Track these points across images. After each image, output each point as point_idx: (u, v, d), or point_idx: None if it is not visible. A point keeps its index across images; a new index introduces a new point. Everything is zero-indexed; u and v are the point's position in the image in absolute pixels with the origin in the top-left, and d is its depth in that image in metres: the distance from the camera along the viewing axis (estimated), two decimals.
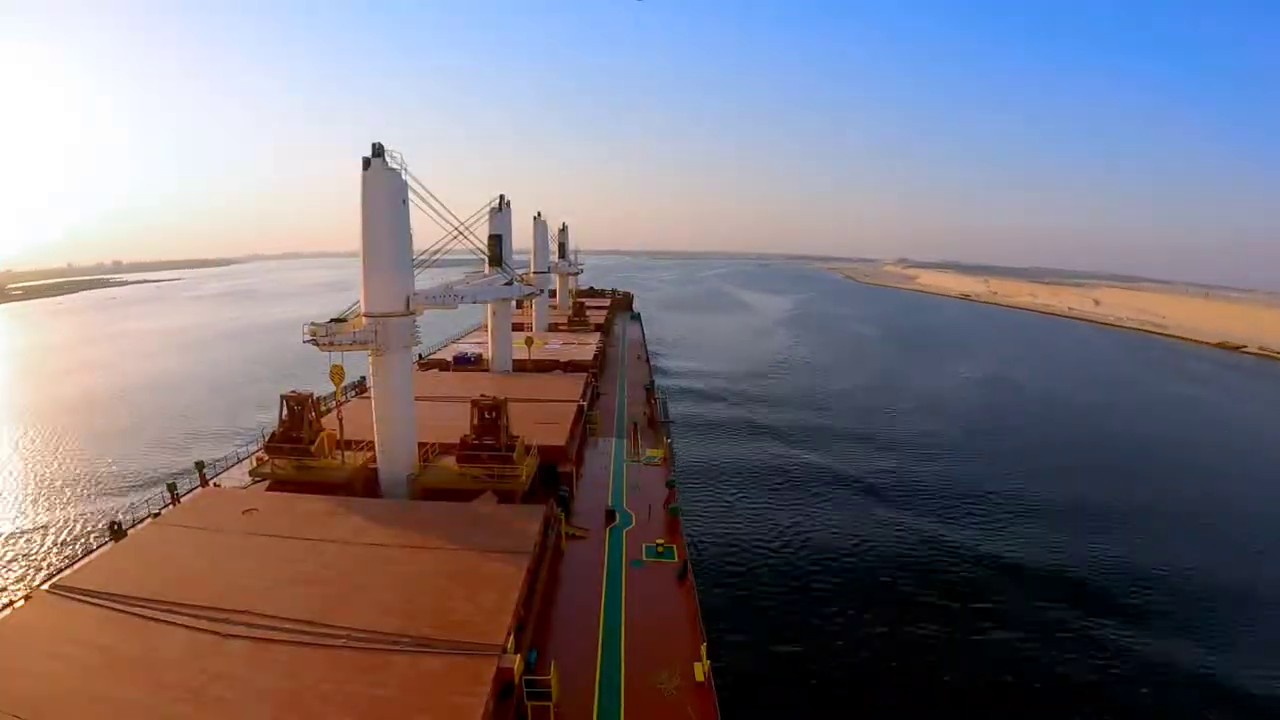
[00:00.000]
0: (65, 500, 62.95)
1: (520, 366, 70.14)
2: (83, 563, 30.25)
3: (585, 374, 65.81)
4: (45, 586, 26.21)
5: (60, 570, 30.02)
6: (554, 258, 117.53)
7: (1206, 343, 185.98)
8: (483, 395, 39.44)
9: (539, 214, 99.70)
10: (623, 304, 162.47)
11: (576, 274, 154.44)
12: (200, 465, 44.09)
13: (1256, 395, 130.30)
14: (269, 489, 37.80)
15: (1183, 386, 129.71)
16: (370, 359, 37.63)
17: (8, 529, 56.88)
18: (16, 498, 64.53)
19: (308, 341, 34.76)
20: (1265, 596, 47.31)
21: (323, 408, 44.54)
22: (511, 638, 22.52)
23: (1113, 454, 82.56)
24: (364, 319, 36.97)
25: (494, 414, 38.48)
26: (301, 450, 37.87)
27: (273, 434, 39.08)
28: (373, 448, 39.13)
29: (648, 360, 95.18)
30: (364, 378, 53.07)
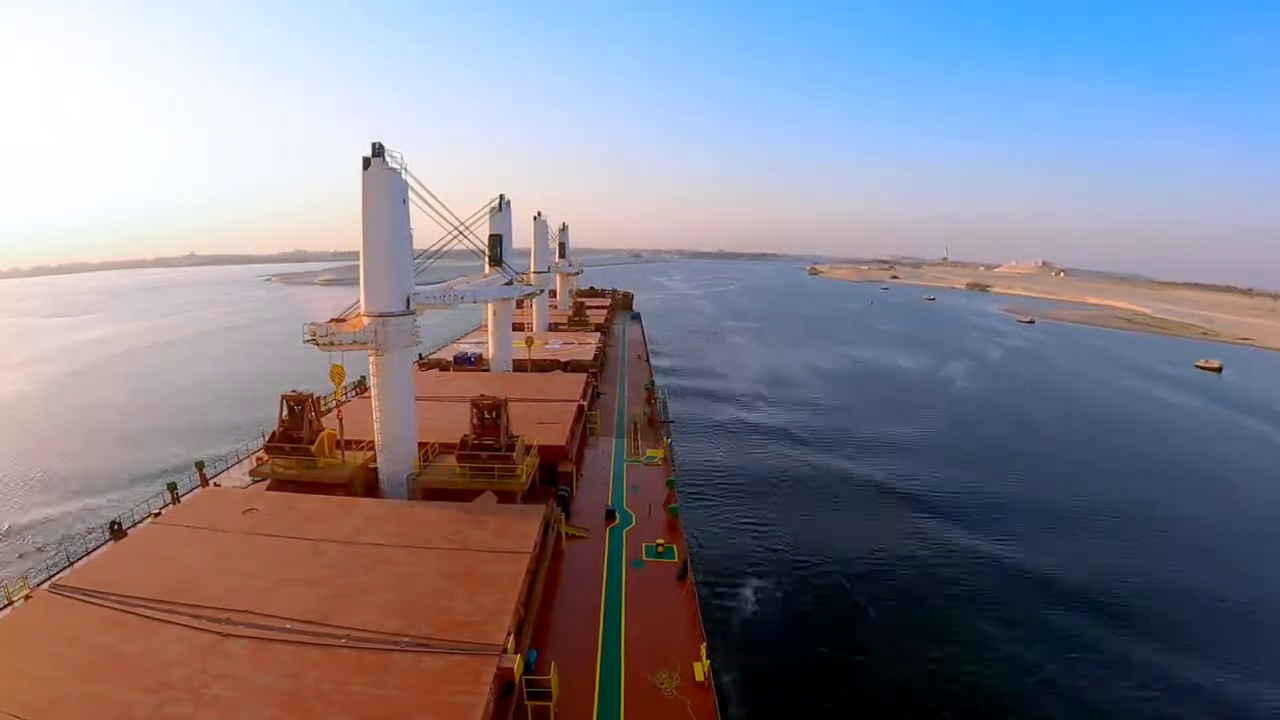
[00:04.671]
0: None
1: (520, 366, 70.12)
2: (83, 562, 30.34)
3: (585, 374, 65.82)
4: (45, 586, 26.26)
5: (60, 570, 30.05)
6: (554, 258, 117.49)
7: None
8: (483, 395, 39.39)
9: (539, 213, 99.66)
10: (623, 304, 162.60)
11: (577, 274, 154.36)
12: (200, 465, 44.13)
13: None
14: (269, 489, 37.78)
15: None
16: (370, 359, 37.61)
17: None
18: None
19: (308, 341, 34.74)
20: None
21: (323, 407, 44.52)
22: (511, 637, 22.55)
23: None
24: (364, 319, 36.98)
25: (494, 414, 38.48)
26: (302, 450, 37.88)
27: (273, 434, 39.03)
28: (373, 447, 39.13)
29: (648, 360, 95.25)
30: (364, 377, 53.08)
